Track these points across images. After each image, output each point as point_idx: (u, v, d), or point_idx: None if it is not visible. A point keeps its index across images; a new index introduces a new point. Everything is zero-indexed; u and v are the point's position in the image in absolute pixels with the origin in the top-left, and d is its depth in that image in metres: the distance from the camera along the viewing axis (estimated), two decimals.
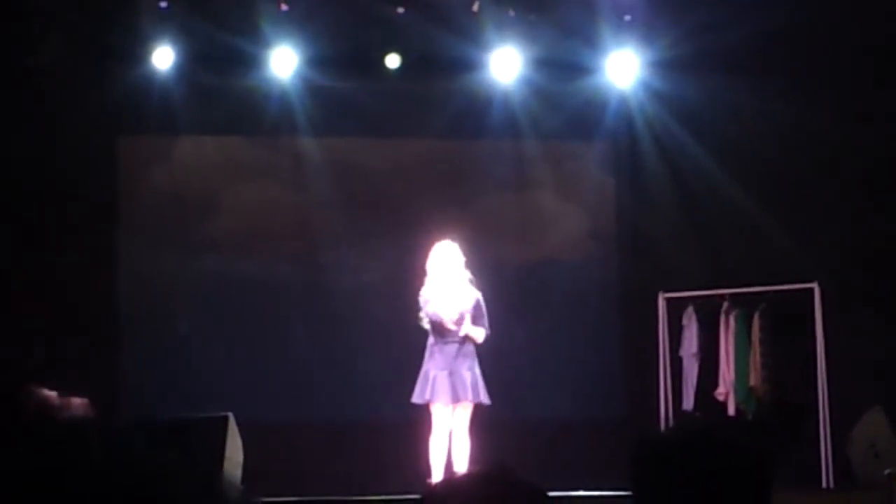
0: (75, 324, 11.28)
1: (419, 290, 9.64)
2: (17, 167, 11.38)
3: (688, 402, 11.93)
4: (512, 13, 11.64)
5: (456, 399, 9.45)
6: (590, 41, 11.75)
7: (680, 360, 12.03)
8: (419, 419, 9.73)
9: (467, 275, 9.64)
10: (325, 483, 11.05)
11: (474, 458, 9.42)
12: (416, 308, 9.61)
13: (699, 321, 11.93)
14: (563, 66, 11.93)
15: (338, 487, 10.94)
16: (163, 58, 11.48)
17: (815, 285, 11.53)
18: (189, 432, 9.02)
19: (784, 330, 11.73)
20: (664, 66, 11.83)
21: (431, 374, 9.47)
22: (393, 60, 11.76)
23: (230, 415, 9.81)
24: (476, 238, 10.96)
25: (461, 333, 9.48)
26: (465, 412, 9.53)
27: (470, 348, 9.54)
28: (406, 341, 9.91)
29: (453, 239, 9.73)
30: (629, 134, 12.40)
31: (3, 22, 11.10)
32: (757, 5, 11.28)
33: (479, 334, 9.55)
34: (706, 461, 2.37)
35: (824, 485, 11.33)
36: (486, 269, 10.54)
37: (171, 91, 11.63)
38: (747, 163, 11.98)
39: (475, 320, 9.55)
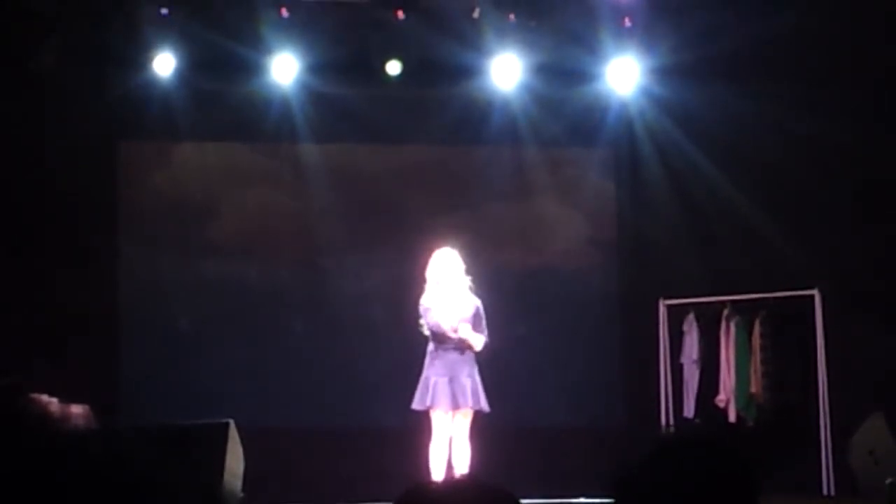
0: (75, 329, 11.27)
1: (420, 296, 9.62)
2: (18, 172, 11.38)
3: (688, 409, 11.93)
4: (512, 19, 11.64)
5: (456, 406, 9.44)
6: (590, 48, 11.75)
7: (680, 366, 12.03)
8: (420, 425, 9.72)
9: (467, 282, 9.62)
10: (325, 489, 11.05)
11: (474, 465, 9.41)
12: (416, 314, 9.60)
13: (700, 328, 11.93)
14: (563, 73, 11.94)
15: (337, 494, 10.94)
16: (164, 64, 11.49)
17: (815, 292, 11.53)
18: (189, 439, 9.00)
19: (785, 336, 11.72)
20: (665, 72, 11.83)
21: (432, 381, 9.46)
22: (393, 67, 11.76)
23: (231, 421, 9.80)
24: (476, 244, 10.96)
25: (459, 335, 9.44)
26: (465, 419, 9.52)
27: (469, 355, 9.53)
28: (407, 347, 9.90)
29: (453, 245, 9.72)
30: (630, 140, 12.40)
31: (4, 27, 11.11)
32: (757, 12, 11.29)
33: (478, 341, 9.53)
34: (687, 471, 2.36)
35: (825, 492, 11.32)
36: (486, 275, 10.53)
37: (172, 97, 11.63)
38: (748, 169, 11.98)
39: (474, 328, 9.54)
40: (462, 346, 9.49)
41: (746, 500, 2.37)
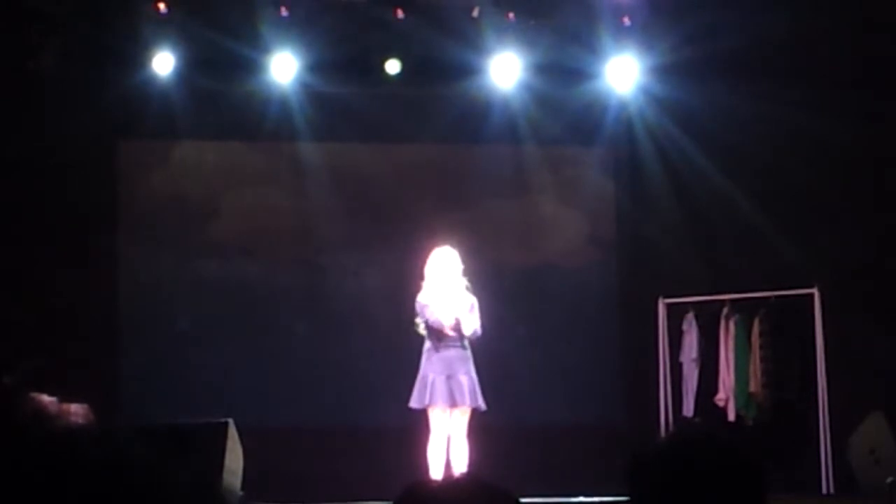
0: (75, 328, 11.28)
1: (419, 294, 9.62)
2: (17, 171, 11.38)
3: (688, 408, 11.93)
4: (512, 18, 11.65)
5: (453, 403, 9.43)
6: (590, 46, 11.76)
7: (680, 365, 12.03)
8: (418, 424, 9.72)
9: (464, 282, 9.61)
10: (325, 488, 11.04)
11: (473, 463, 9.41)
12: (415, 313, 9.58)
13: (699, 327, 11.94)
14: (562, 72, 11.94)
15: (337, 493, 10.93)
16: (163, 63, 11.49)
17: (814, 290, 11.53)
18: (189, 438, 8.99)
19: (784, 335, 11.72)
20: (664, 71, 11.83)
21: (429, 378, 9.45)
22: (393, 66, 11.77)
23: (230, 421, 9.80)
24: (476, 243, 10.96)
25: (455, 319, 9.38)
26: (463, 417, 9.51)
27: (467, 353, 9.51)
28: (406, 346, 9.89)
29: (452, 244, 9.71)
30: (629, 139, 12.41)
31: (4, 26, 11.11)
32: (756, 11, 11.29)
33: (469, 325, 9.44)
34: (700, 465, 2.38)
35: (824, 491, 11.32)
36: (485, 274, 10.54)
37: (171, 96, 11.63)
38: (747, 168, 11.98)
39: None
40: (460, 343, 9.46)
41: (755, 498, 2.39)
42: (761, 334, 11.70)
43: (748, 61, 11.58)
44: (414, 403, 9.51)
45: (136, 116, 11.69)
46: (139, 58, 11.45)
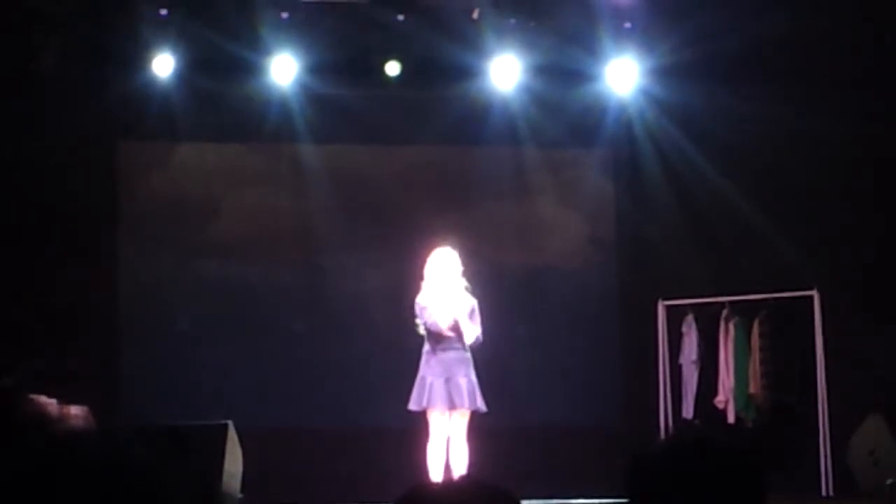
0: (75, 328, 11.28)
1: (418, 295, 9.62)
2: (17, 172, 11.39)
3: (687, 410, 11.93)
4: (512, 20, 11.65)
5: (452, 406, 9.41)
6: (589, 48, 11.76)
7: (679, 367, 12.03)
8: (418, 425, 9.72)
9: (464, 283, 9.60)
10: (324, 489, 11.05)
11: (473, 465, 9.41)
12: (415, 314, 9.57)
13: (699, 329, 11.94)
14: (562, 73, 11.94)
15: (336, 494, 10.94)
16: (163, 64, 11.50)
17: (814, 292, 11.53)
18: (188, 440, 9.00)
19: (784, 337, 11.72)
20: (664, 72, 11.83)
21: (428, 381, 9.43)
22: (393, 67, 11.77)
23: (230, 423, 9.80)
24: (475, 244, 10.97)
25: (453, 320, 9.37)
26: (462, 419, 9.49)
27: (466, 355, 9.50)
28: (406, 347, 9.89)
29: (452, 245, 9.70)
30: (629, 141, 12.41)
31: (4, 26, 11.11)
32: (756, 12, 11.29)
33: (470, 332, 9.44)
34: (700, 467, 2.39)
35: (824, 493, 11.32)
36: (485, 275, 10.54)
37: (171, 97, 11.64)
38: (747, 170, 11.99)
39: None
40: (460, 345, 9.45)
41: (755, 499, 2.40)
42: (761, 336, 11.70)
43: (748, 62, 11.59)
44: (412, 406, 9.50)
45: (137, 117, 11.70)
46: (139, 59, 11.45)
